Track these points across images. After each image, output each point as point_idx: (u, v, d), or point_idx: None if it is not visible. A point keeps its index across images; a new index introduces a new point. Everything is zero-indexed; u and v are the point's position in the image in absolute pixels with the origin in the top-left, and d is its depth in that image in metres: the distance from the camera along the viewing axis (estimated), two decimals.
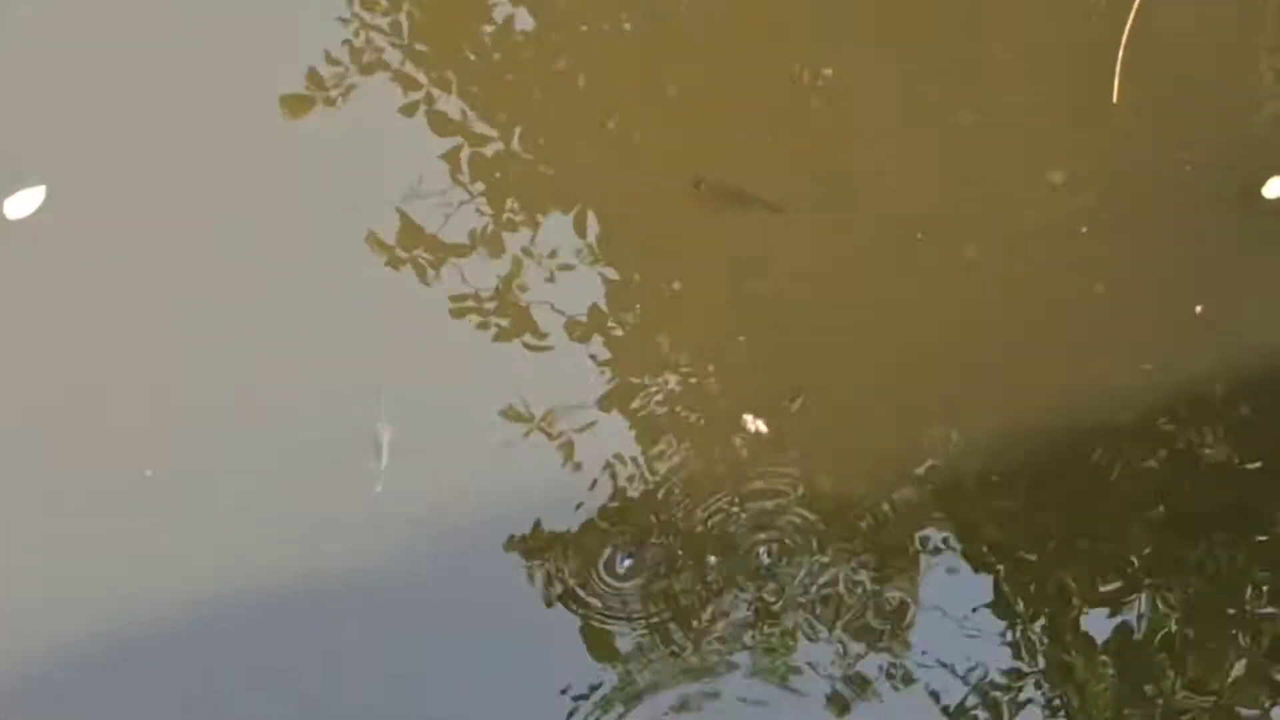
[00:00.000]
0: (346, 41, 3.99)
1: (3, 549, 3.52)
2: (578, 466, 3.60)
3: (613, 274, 3.79)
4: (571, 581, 3.49)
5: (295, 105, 3.92)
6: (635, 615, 3.47)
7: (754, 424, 3.65)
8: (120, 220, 3.79)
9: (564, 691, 3.42)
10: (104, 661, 3.45)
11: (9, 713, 3.40)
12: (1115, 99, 3.91)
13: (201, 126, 3.87)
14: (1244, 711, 3.40)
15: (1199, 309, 3.74)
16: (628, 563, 3.48)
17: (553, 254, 3.81)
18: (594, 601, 3.48)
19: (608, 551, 3.50)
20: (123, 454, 3.58)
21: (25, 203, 3.81)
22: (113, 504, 3.55)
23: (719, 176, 3.80)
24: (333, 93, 3.94)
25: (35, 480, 3.58)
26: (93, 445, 3.60)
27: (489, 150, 3.92)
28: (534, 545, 3.52)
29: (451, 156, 3.90)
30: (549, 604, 3.49)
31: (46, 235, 3.79)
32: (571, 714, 3.41)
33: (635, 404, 3.67)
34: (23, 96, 3.91)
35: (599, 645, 3.46)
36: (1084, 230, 3.81)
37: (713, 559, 3.51)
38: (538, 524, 3.54)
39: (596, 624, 3.47)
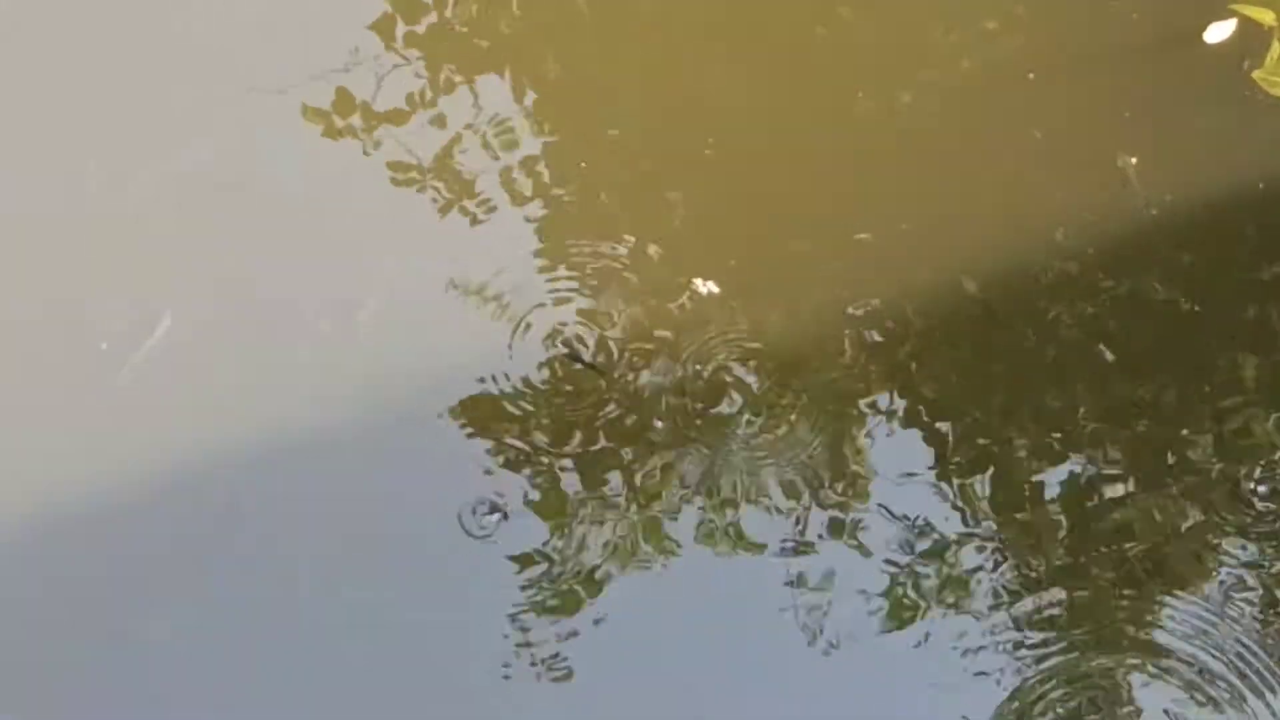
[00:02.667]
0: None
1: None
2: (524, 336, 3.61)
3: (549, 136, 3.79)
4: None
5: None
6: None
7: (704, 286, 3.66)
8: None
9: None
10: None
11: None
12: None
13: None
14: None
15: (1134, 160, 3.76)
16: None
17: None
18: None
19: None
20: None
21: None
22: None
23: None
24: None
25: None
26: None
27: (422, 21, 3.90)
28: (473, 414, 3.54)
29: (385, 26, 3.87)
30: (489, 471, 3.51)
31: None
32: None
33: (580, 268, 3.68)
34: None
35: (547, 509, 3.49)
36: (1031, 76, 3.82)
37: (660, 423, 3.55)
38: (477, 394, 3.55)
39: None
